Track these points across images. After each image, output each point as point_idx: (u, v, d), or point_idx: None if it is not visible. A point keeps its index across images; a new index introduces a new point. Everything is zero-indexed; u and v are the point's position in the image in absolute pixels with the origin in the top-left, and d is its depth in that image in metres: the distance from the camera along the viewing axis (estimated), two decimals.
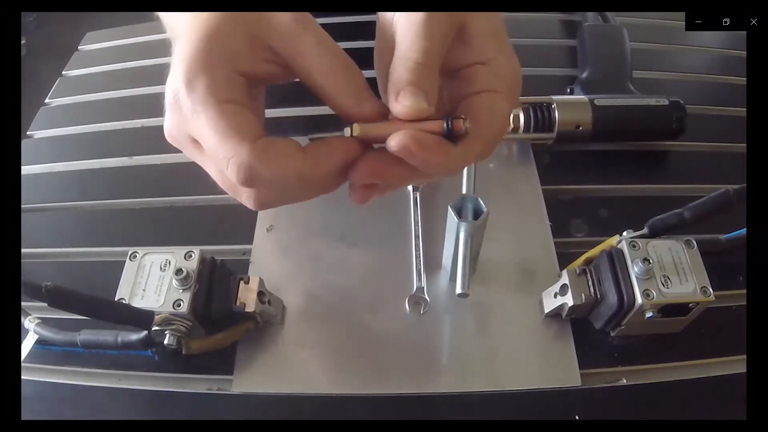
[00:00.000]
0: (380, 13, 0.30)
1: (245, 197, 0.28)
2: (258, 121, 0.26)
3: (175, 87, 0.26)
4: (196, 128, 0.26)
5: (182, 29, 0.28)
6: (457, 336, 0.43)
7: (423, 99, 0.26)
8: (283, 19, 0.26)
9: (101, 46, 0.72)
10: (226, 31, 0.26)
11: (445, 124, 0.26)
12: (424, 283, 0.44)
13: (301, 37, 0.27)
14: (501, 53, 0.28)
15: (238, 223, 0.49)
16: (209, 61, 0.26)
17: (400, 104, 0.26)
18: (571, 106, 0.52)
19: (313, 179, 0.27)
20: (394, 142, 0.25)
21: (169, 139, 0.28)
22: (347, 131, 0.26)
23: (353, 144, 0.27)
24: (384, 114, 0.27)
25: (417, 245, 0.46)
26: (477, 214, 0.39)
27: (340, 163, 0.27)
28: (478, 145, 0.27)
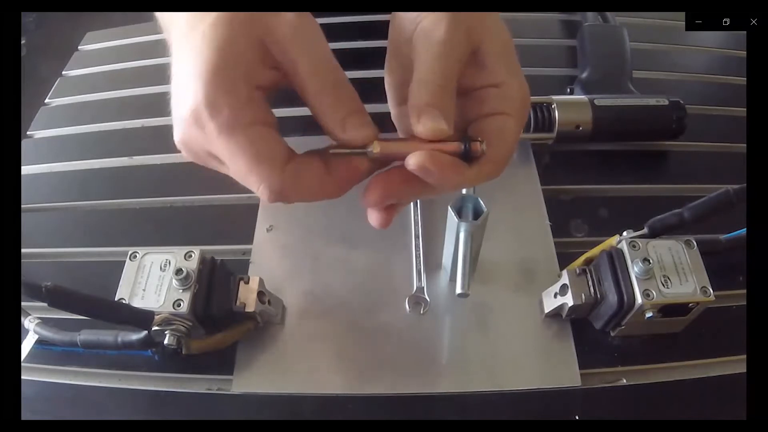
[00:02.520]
0: (393, 30, 0.30)
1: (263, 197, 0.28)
2: (283, 142, 0.27)
3: (195, 106, 0.25)
4: (221, 151, 0.26)
5: (189, 36, 0.27)
6: (457, 336, 0.43)
7: (443, 121, 0.27)
8: (283, 27, 0.26)
9: (101, 46, 0.72)
10: (240, 42, 0.26)
11: (462, 146, 0.27)
12: (424, 283, 0.44)
13: (297, 49, 0.26)
14: (512, 76, 0.30)
15: (238, 223, 0.49)
16: (230, 79, 0.25)
17: (422, 125, 0.27)
18: (571, 106, 0.52)
19: (334, 195, 0.28)
20: (412, 162, 0.26)
21: (183, 151, 0.28)
22: (368, 147, 0.27)
23: (374, 164, 0.28)
24: (370, 139, 0.27)
25: (417, 245, 0.46)
26: (477, 214, 0.39)
27: (360, 180, 0.28)
28: (490, 165, 0.28)
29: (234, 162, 0.26)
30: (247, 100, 0.26)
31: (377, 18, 0.66)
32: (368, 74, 0.56)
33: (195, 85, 0.25)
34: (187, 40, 0.26)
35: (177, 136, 0.28)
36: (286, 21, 0.26)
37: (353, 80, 0.38)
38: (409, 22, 0.29)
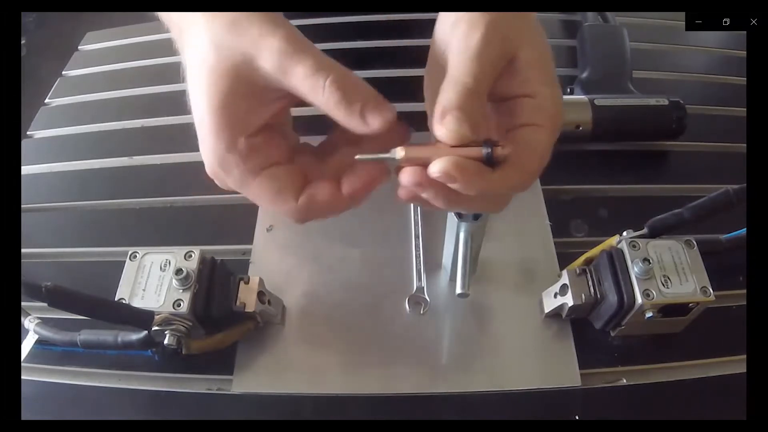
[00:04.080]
0: (436, 31, 0.30)
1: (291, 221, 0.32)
2: (298, 175, 0.30)
3: (212, 168, 0.29)
4: (246, 193, 0.30)
5: (193, 74, 0.29)
6: (457, 336, 0.43)
7: (466, 126, 0.27)
8: (268, 60, 0.27)
9: (101, 46, 0.72)
10: (234, 102, 0.28)
11: (485, 151, 0.27)
12: (424, 283, 0.44)
13: (288, 71, 0.27)
14: (547, 87, 0.29)
15: (238, 223, 0.49)
16: (232, 139, 0.28)
17: (444, 128, 0.27)
18: (571, 106, 0.52)
19: (350, 208, 0.31)
20: (435, 169, 0.26)
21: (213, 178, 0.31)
22: (393, 153, 0.27)
23: (386, 175, 0.30)
24: (392, 120, 0.28)
25: (417, 245, 0.46)
26: (477, 214, 0.39)
27: (372, 189, 0.30)
28: (518, 176, 0.28)
29: (257, 202, 0.31)
30: (250, 151, 0.29)
31: (377, 18, 0.66)
32: (369, 74, 0.56)
33: (213, 138, 0.28)
34: (193, 80, 0.29)
35: (207, 169, 0.31)
36: (269, 51, 0.27)
37: None
38: (448, 26, 0.29)
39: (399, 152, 0.27)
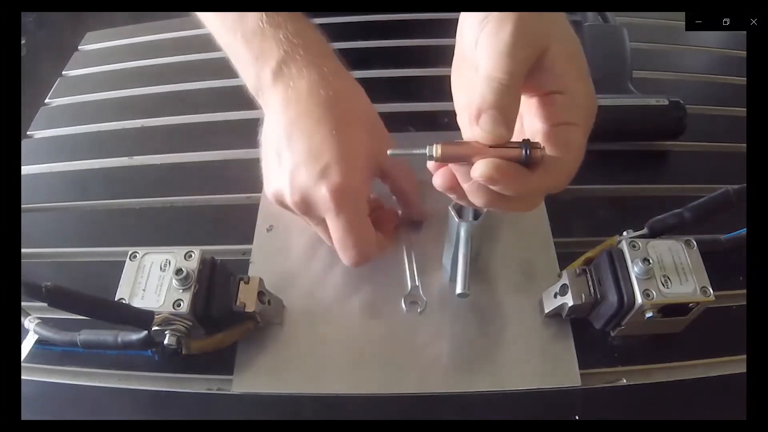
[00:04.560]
0: (461, 30, 0.31)
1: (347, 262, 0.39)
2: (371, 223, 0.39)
3: (339, 181, 0.35)
4: (336, 222, 0.36)
5: (319, 109, 0.36)
6: (457, 336, 0.43)
7: (503, 125, 0.27)
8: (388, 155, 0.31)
9: (101, 46, 0.72)
10: (370, 152, 0.37)
11: (523, 152, 0.27)
12: (418, 282, 0.44)
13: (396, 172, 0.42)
14: (579, 82, 0.29)
15: (238, 223, 0.49)
16: (365, 175, 0.37)
17: (481, 129, 0.27)
18: None
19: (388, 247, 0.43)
20: (477, 173, 0.27)
21: (293, 201, 0.38)
22: (430, 150, 0.28)
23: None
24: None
25: (409, 253, 0.46)
26: (477, 214, 0.39)
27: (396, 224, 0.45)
28: (555, 177, 0.28)
29: (340, 234, 0.37)
30: (365, 200, 0.37)
31: (377, 18, 0.66)
32: (369, 74, 0.56)
33: (341, 169, 0.35)
34: (329, 121, 0.36)
35: (299, 193, 0.37)
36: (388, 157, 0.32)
37: (359, 80, 0.39)
38: (476, 24, 0.28)
39: (436, 149, 0.27)
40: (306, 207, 0.37)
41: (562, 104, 0.29)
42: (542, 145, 0.28)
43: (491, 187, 0.27)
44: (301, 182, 0.36)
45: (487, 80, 0.27)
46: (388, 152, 0.29)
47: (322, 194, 0.35)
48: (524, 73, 0.28)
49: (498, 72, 0.27)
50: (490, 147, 0.27)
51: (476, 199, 0.29)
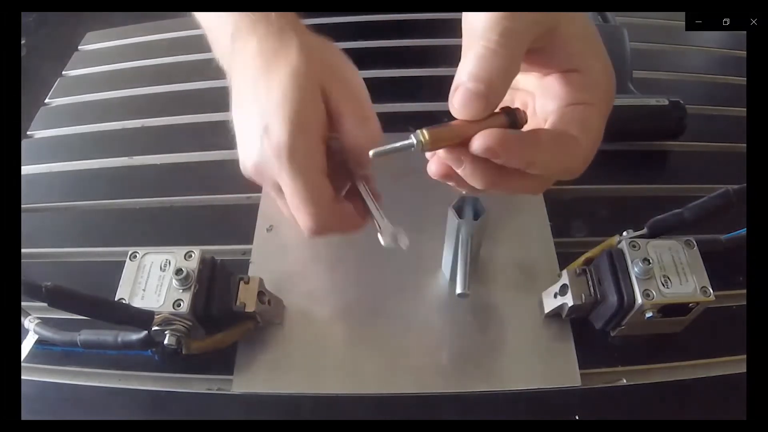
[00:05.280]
0: (464, 29, 0.28)
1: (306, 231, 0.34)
2: (331, 187, 0.32)
3: (279, 140, 0.30)
4: (287, 184, 0.31)
5: (264, 77, 0.31)
6: (457, 336, 0.43)
7: (477, 104, 0.24)
8: (339, 89, 0.30)
9: (101, 46, 0.72)
10: (315, 93, 0.31)
11: (506, 120, 0.26)
12: (385, 219, 0.37)
13: (344, 104, 0.32)
14: (595, 59, 0.27)
15: (238, 223, 0.49)
16: (310, 129, 0.31)
17: (453, 105, 0.25)
18: None
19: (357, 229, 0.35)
20: (477, 145, 0.24)
21: (251, 171, 0.33)
22: (414, 138, 0.25)
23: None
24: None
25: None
26: (477, 214, 0.39)
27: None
28: (569, 159, 0.26)
29: (292, 196, 0.31)
30: (319, 151, 0.31)
31: (378, 18, 0.66)
32: (369, 74, 0.56)
33: (283, 123, 0.30)
34: (265, 81, 0.31)
35: (251, 160, 0.32)
36: (341, 82, 0.31)
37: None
38: (480, 15, 0.26)
39: (423, 135, 0.25)
40: (261, 176, 0.33)
41: (578, 82, 0.27)
42: (521, 108, 0.26)
43: (495, 160, 0.25)
44: (251, 151, 0.33)
45: (477, 42, 0.25)
46: (370, 153, 0.26)
47: (267, 156, 0.31)
48: (523, 42, 0.25)
49: (492, 33, 0.24)
50: (470, 122, 0.25)
51: (475, 181, 0.26)
